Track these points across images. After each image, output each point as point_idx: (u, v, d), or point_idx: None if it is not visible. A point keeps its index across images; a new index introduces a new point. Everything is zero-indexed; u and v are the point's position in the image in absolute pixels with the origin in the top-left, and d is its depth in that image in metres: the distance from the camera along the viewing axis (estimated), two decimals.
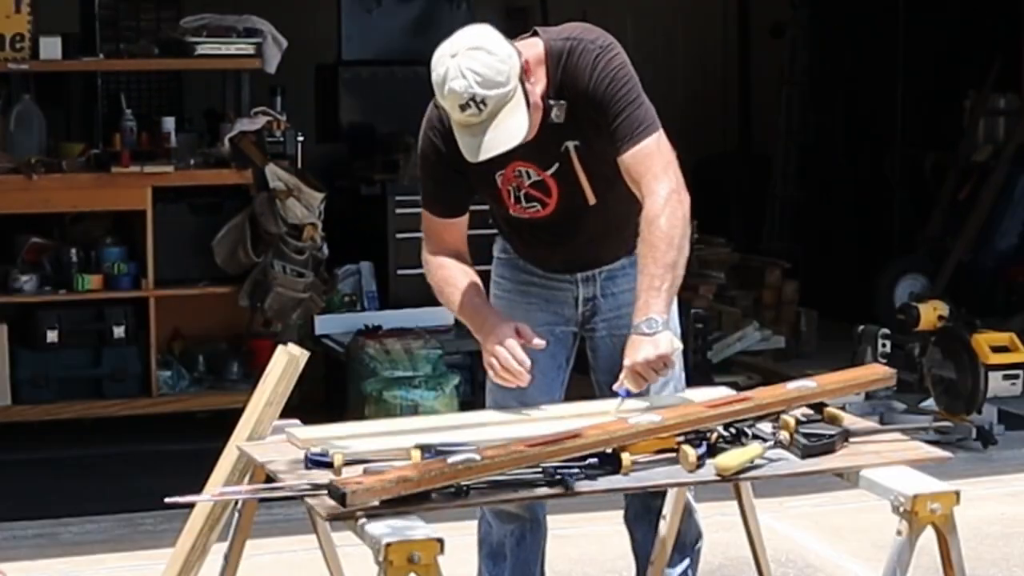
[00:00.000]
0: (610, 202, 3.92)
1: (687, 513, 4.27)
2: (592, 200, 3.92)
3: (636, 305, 3.66)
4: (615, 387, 3.70)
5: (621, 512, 4.39)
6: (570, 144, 3.82)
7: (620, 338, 4.00)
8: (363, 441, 3.51)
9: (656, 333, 3.62)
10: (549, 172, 3.87)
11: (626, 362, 3.65)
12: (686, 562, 4.32)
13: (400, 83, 9.08)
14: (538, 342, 3.78)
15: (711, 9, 11.20)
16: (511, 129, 3.57)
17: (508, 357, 3.71)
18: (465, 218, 3.94)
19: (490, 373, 3.78)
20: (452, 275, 3.89)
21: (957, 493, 3.34)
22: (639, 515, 4.28)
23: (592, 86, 3.73)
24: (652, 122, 3.75)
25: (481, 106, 3.54)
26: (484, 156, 3.59)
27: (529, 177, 3.88)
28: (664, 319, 3.63)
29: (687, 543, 4.30)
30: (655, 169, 3.72)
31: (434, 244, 3.92)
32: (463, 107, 3.55)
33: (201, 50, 7.33)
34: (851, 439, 3.61)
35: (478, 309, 3.85)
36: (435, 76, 3.59)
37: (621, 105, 3.74)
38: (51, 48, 7.05)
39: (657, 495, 4.10)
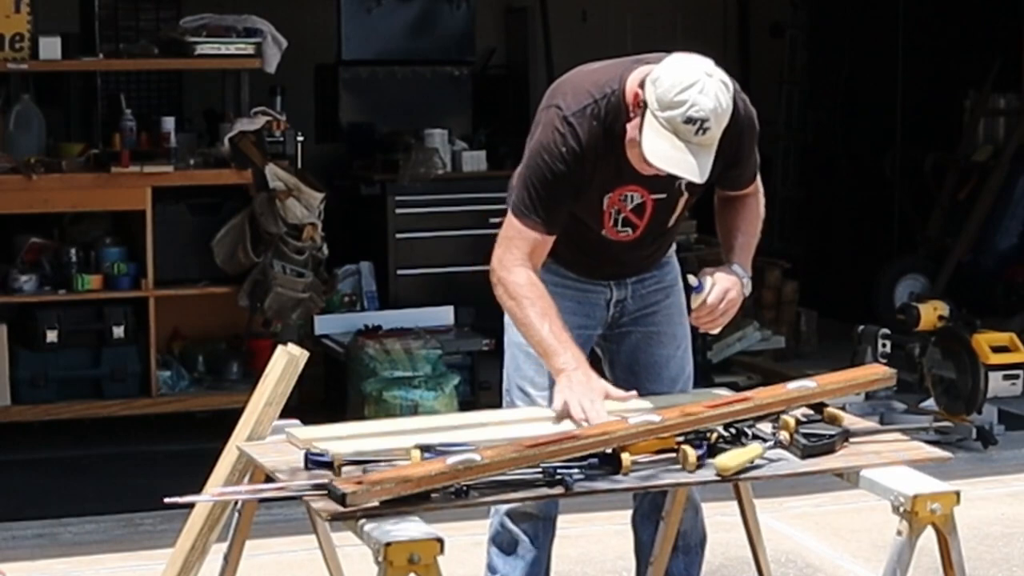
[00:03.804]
0: (674, 229, 4.15)
1: (694, 513, 4.27)
2: (668, 226, 4.08)
3: (733, 252, 4.00)
4: (692, 279, 3.87)
5: (621, 512, 4.39)
6: (682, 181, 3.91)
7: (644, 335, 4.17)
8: (363, 441, 3.51)
9: (742, 279, 3.93)
10: (653, 197, 3.96)
11: (717, 288, 3.85)
12: (691, 564, 4.31)
13: (400, 83, 9.09)
14: (630, 395, 3.81)
15: (711, 9, 11.20)
16: (701, 165, 3.63)
17: (592, 419, 3.64)
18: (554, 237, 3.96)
19: (559, 410, 3.73)
20: (541, 295, 3.85)
21: (957, 493, 3.34)
22: (647, 515, 4.27)
23: (737, 133, 3.81)
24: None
25: (701, 132, 3.60)
26: (674, 171, 3.63)
27: (632, 201, 3.96)
28: (749, 276, 3.97)
29: (692, 544, 4.30)
30: (757, 183, 4.13)
31: (522, 255, 3.86)
32: (691, 122, 3.58)
33: (201, 50, 7.32)
34: (851, 439, 3.61)
35: (564, 345, 3.81)
36: (676, 78, 3.60)
37: (750, 149, 3.96)
38: (51, 48, 7.04)
39: (666, 495, 4.11)
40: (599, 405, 3.65)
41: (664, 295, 4.21)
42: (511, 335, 4.12)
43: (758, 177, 4.09)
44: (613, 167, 3.82)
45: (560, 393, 3.72)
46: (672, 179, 3.81)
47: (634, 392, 3.84)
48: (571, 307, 4.10)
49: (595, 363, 4.24)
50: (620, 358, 4.22)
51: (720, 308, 3.86)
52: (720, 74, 3.66)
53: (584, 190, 3.86)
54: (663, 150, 3.61)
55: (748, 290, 3.95)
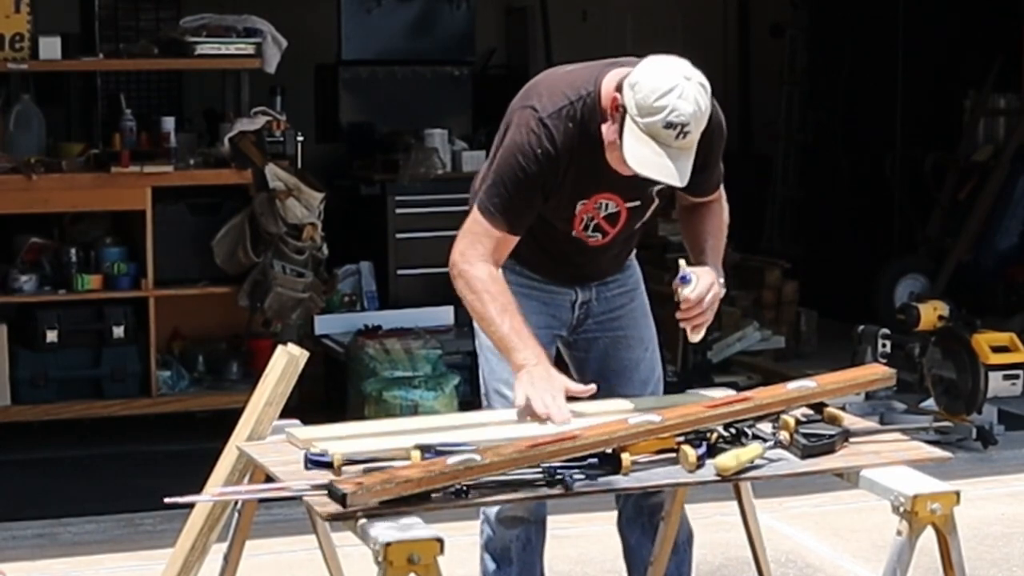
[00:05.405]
0: (639, 233, 4.13)
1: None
2: (634, 229, 4.06)
3: (704, 255, 3.98)
4: (684, 267, 3.83)
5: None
6: (656, 187, 3.90)
7: (612, 339, 4.16)
8: (363, 441, 3.51)
9: (719, 279, 3.90)
10: (627, 205, 3.95)
11: (702, 281, 3.82)
12: (681, 562, 4.31)
13: (400, 83, 9.09)
14: (589, 389, 3.78)
15: (711, 9, 11.20)
16: (681, 169, 3.61)
17: (555, 415, 3.65)
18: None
19: (522, 406, 3.72)
20: (502, 290, 3.85)
21: (957, 493, 3.34)
22: (632, 519, 4.27)
23: (708, 137, 3.78)
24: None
25: (681, 136, 3.58)
26: (656, 176, 3.61)
27: (607, 209, 3.95)
28: (723, 278, 3.95)
29: (679, 543, 4.28)
30: (721, 191, 4.10)
31: (485, 251, 3.85)
32: (671, 127, 3.56)
33: (201, 50, 7.32)
34: (851, 439, 3.61)
35: (525, 340, 3.80)
36: (655, 83, 3.57)
37: (718, 157, 3.93)
38: (51, 48, 7.04)
39: (648, 495, 4.11)
40: (560, 400, 3.67)
41: (628, 298, 4.20)
42: (482, 339, 4.08)
43: (721, 185, 4.06)
44: (588, 170, 3.80)
45: (521, 389, 3.71)
46: (647, 184, 3.80)
47: (593, 387, 3.82)
48: (536, 307, 4.08)
49: (560, 367, 4.24)
50: (590, 365, 4.19)
51: (706, 302, 3.83)
52: (698, 76, 3.63)
53: (556, 192, 3.85)
54: (644, 156, 3.59)
55: (723, 292, 3.92)
